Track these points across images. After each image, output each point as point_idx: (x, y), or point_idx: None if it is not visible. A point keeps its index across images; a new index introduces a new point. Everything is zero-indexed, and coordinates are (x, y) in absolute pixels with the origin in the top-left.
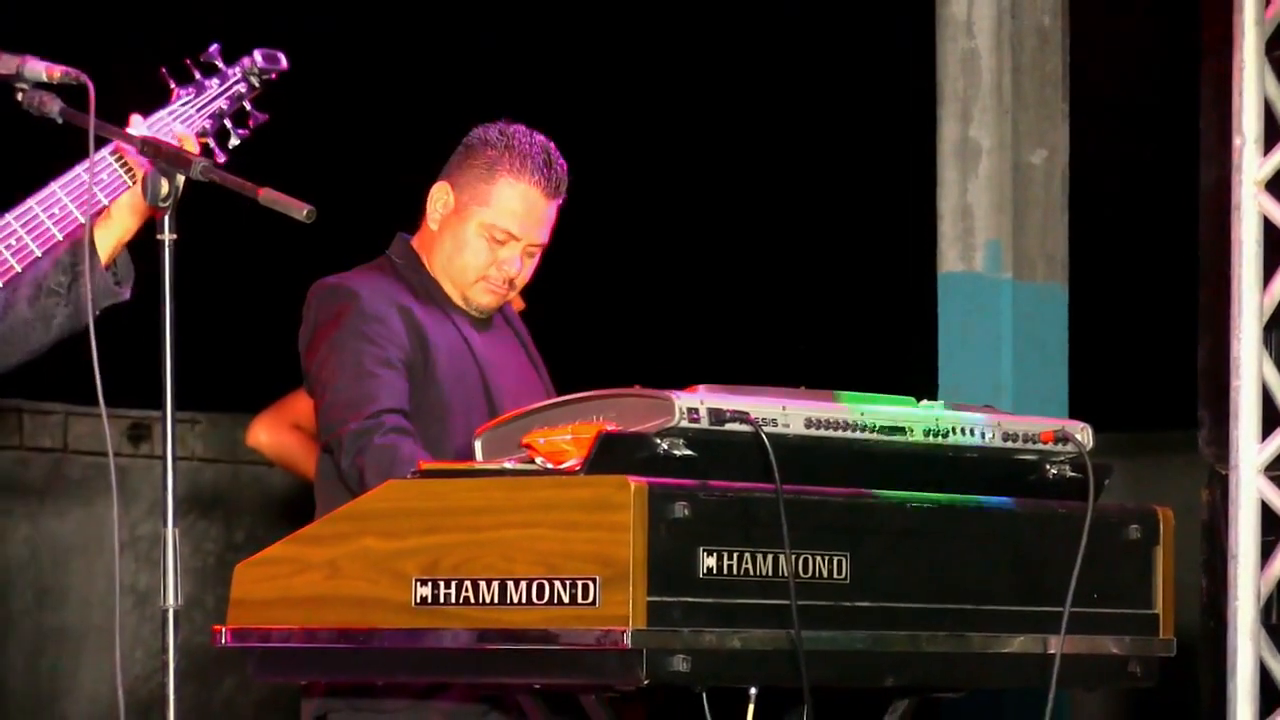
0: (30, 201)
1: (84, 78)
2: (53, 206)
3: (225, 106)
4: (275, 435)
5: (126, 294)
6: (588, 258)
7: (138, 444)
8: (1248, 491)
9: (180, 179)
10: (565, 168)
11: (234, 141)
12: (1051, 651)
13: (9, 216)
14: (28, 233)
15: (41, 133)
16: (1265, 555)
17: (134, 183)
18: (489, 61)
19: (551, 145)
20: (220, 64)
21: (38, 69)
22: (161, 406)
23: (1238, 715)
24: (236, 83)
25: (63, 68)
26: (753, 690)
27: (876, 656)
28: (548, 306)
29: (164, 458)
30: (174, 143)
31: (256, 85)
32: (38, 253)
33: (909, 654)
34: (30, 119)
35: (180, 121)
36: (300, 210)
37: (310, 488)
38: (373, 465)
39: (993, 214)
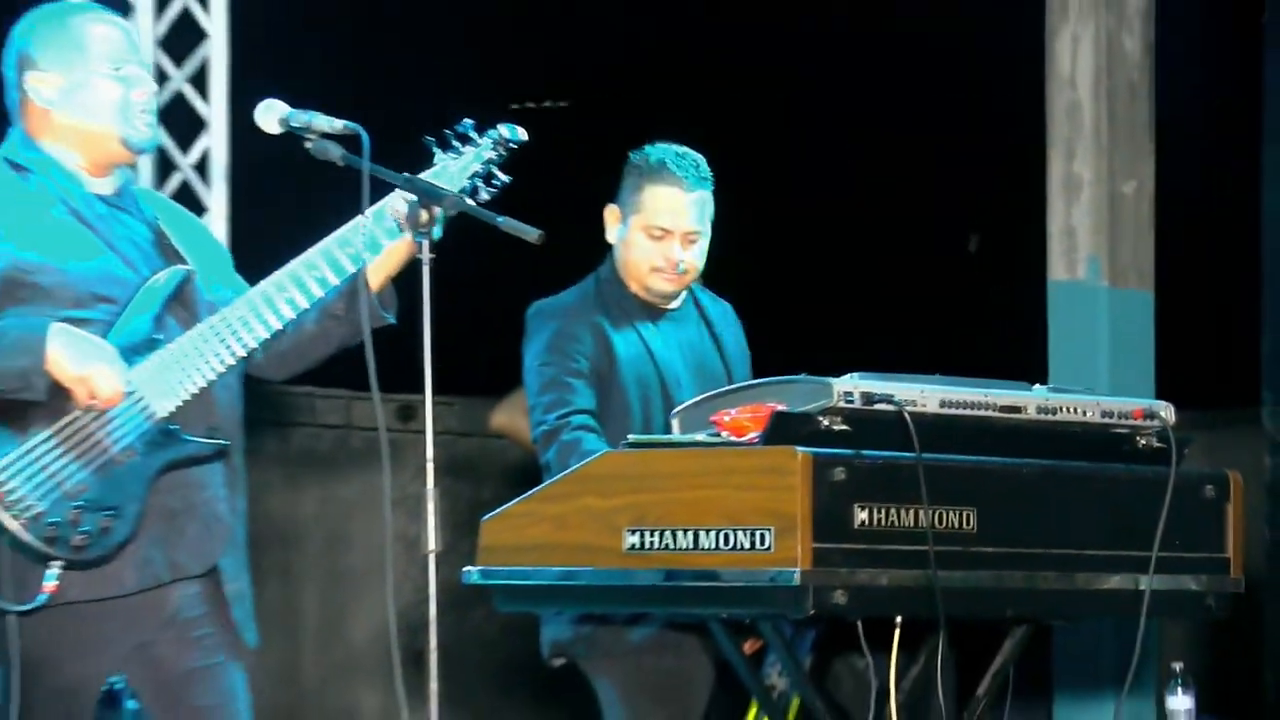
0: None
1: (360, 129)
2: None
3: (478, 169)
4: (509, 419)
5: (392, 318)
6: (771, 267)
7: (406, 421)
8: None
9: (436, 210)
10: (701, 164)
11: (483, 196)
12: (1142, 588)
13: (313, 251)
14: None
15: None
16: None
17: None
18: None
19: (684, 149)
20: (474, 135)
21: (323, 123)
22: (423, 391)
23: None
24: (486, 150)
25: (343, 121)
26: (898, 619)
27: (999, 593)
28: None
29: (425, 432)
30: (434, 184)
31: (504, 153)
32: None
33: (1025, 590)
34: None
35: (435, 179)
36: (532, 234)
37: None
38: (560, 458)
39: (1092, 234)
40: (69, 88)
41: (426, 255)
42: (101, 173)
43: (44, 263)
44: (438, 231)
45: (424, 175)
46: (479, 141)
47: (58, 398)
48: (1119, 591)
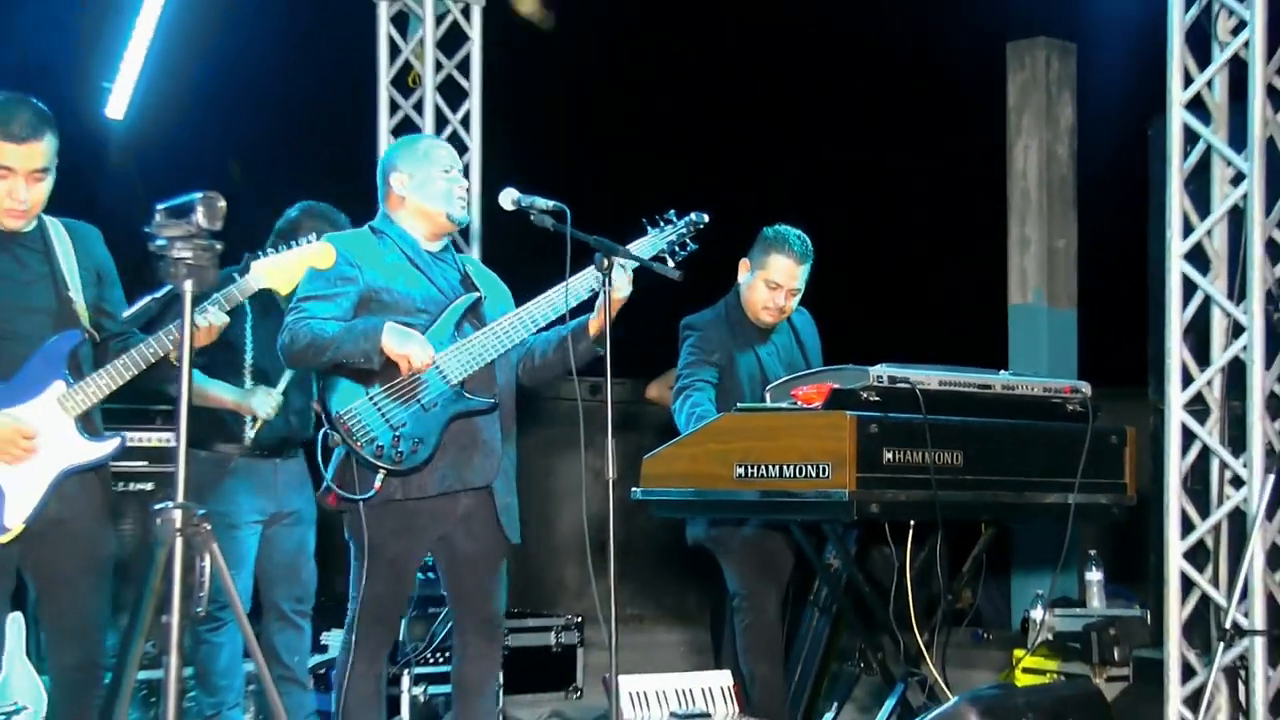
0: (549, 292)
1: (564, 207)
2: (555, 297)
3: (674, 239)
4: (659, 391)
5: (601, 350)
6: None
7: (594, 394)
8: (1175, 418)
9: (608, 260)
10: (808, 243)
11: (680, 257)
12: (1070, 502)
13: (538, 299)
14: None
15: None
16: (1185, 452)
17: (616, 292)
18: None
19: (799, 232)
20: (674, 218)
21: (541, 202)
22: (604, 374)
23: (1170, 538)
24: (680, 228)
25: (553, 201)
26: (911, 523)
27: (977, 505)
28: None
29: (606, 401)
30: (610, 242)
31: (693, 231)
32: (536, 325)
33: (995, 503)
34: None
35: (649, 246)
36: (674, 274)
37: None
38: (687, 410)
39: (1037, 273)
40: (417, 183)
41: (605, 289)
42: (433, 238)
43: (388, 287)
44: (627, 289)
45: (639, 241)
46: (676, 222)
47: (390, 368)
48: (1055, 504)
